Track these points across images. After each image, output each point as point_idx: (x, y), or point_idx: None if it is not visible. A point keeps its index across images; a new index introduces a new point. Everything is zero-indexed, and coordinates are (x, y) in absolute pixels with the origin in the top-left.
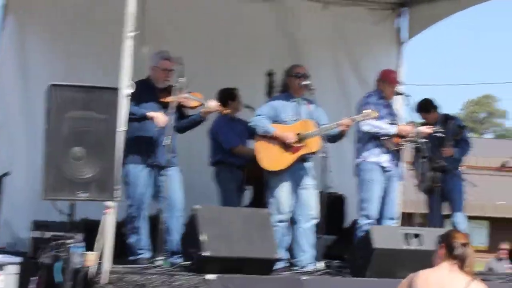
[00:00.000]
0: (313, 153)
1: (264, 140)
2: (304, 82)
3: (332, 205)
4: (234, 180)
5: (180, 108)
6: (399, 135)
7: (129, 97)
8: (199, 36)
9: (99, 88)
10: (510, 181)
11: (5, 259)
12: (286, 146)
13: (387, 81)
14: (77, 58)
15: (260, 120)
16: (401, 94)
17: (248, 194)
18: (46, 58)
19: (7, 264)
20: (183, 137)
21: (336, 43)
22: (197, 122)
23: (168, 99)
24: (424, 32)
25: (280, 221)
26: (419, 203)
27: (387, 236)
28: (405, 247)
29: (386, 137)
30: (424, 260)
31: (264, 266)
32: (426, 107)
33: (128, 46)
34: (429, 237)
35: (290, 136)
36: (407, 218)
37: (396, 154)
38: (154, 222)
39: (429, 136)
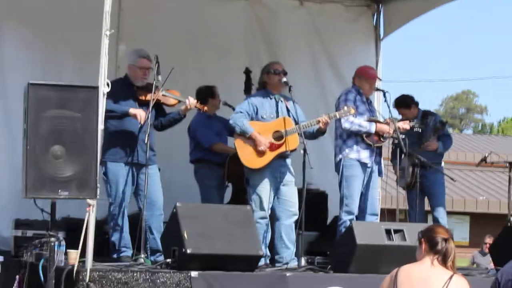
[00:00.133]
0: (292, 150)
1: (243, 138)
2: (282, 79)
3: (314, 202)
4: (214, 178)
5: (158, 106)
6: (378, 134)
7: (106, 96)
8: (176, 34)
9: (76, 86)
10: (491, 176)
11: None
12: None
13: (365, 77)
14: (55, 55)
15: (239, 119)
16: (379, 90)
17: (228, 191)
18: (24, 55)
19: None
20: (163, 135)
21: (313, 40)
22: (176, 120)
23: (147, 97)
24: (402, 28)
25: (262, 218)
26: (399, 199)
27: (370, 232)
28: (387, 242)
29: (366, 134)
30: (407, 255)
31: (248, 263)
32: (406, 103)
33: (104, 45)
34: (412, 233)
35: (263, 143)
36: (387, 214)
37: (376, 151)
38: (134, 220)
39: (408, 132)
